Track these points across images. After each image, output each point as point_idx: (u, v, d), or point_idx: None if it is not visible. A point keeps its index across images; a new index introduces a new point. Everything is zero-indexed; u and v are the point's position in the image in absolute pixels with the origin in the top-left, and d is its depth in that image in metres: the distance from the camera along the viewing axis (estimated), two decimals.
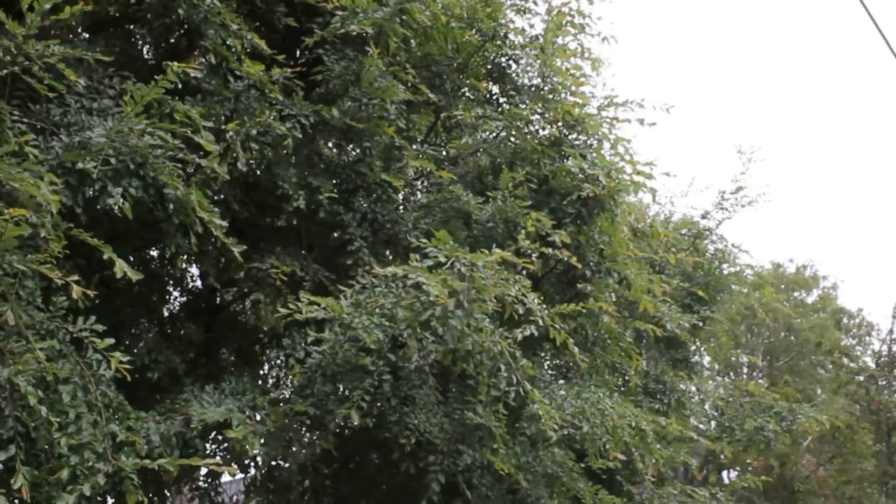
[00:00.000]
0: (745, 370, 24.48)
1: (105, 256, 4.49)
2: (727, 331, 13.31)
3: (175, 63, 5.06)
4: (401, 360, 5.50)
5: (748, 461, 16.13)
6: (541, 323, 5.26)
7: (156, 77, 5.03)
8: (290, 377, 5.64)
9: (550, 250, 6.26)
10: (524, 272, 7.81)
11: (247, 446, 5.08)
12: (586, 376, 7.89)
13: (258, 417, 5.55)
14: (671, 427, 6.66)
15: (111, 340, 4.45)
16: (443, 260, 5.07)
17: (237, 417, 5.13)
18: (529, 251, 5.72)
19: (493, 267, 5.08)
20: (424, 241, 5.32)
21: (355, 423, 5.23)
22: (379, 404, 5.62)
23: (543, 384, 6.75)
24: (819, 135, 57.86)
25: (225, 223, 5.25)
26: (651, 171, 7.47)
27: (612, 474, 7.17)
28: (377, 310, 5.32)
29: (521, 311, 5.20)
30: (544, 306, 5.49)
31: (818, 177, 55.70)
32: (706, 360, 14.19)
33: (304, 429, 6.00)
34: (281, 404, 5.75)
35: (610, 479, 7.19)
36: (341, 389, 5.48)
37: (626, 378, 8.89)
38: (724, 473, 19.93)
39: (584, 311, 6.23)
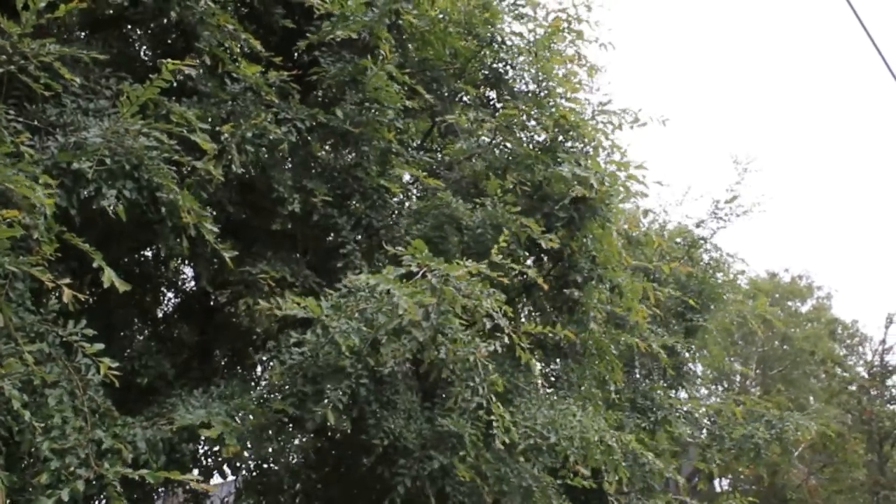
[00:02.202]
0: (738, 378, 24.51)
1: (94, 264, 4.47)
2: (719, 342, 13.34)
3: (170, 61, 5.07)
4: (377, 365, 5.50)
5: (739, 469, 16.17)
6: (506, 340, 5.25)
7: (151, 77, 5.03)
8: (271, 376, 5.62)
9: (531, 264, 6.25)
10: (519, 278, 7.85)
11: (228, 445, 5.05)
12: (574, 387, 7.90)
13: (241, 420, 5.53)
14: (632, 444, 6.61)
15: (101, 345, 4.42)
16: (415, 269, 5.07)
17: (216, 419, 5.12)
18: (505, 264, 5.63)
19: (466, 278, 5.07)
20: (401, 249, 5.32)
21: (331, 423, 5.22)
22: (359, 407, 5.62)
23: (526, 393, 6.78)
24: (815, 145, 58.06)
25: (216, 228, 5.26)
26: (642, 177, 7.48)
27: (600, 490, 7.12)
28: (356, 314, 5.30)
29: (488, 326, 5.19)
30: (516, 322, 5.46)
31: (815, 187, 55.87)
32: (699, 368, 14.21)
33: (285, 428, 5.98)
34: (262, 403, 5.73)
35: (599, 493, 7.13)
36: (321, 390, 5.47)
37: (616, 391, 8.90)
38: (717, 482, 19.95)
39: (549, 333, 6.20)
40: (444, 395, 6.30)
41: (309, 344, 5.30)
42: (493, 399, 5.22)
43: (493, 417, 5.24)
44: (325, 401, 5.17)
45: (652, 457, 7.08)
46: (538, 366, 5.60)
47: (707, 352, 13.20)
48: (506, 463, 6.17)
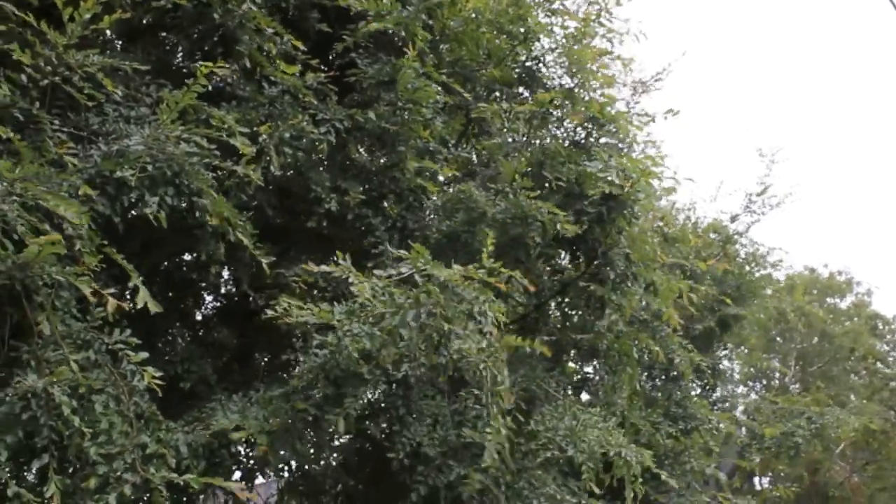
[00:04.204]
0: (777, 375, 24.17)
1: (131, 284, 4.53)
2: (757, 338, 13.20)
3: (204, 64, 5.12)
4: (393, 369, 5.48)
5: (780, 467, 15.96)
6: (484, 345, 5.07)
7: (187, 82, 5.08)
8: (294, 376, 5.63)
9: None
10: (555, 277, 7.79)
11: (259, 445, 5.07)
12: (609, 391, 7.84)
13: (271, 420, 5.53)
14: (647, 463, 6.46)
15: (145, 354, 4.47)
16: (404, 271, 5.07)
17: (251, 422, 5.13)
18: (499, 272, 5.39)
19: (457, 280, 5.01)
20: (404, 253, 5.28)
21: (341, 432, 5.21)
22: (385, 414, 5.61)
23: (554, 400, 6.73)
24: (853, 137, 56.92)
25: (255, 231, 5.30)
26: (674, 172, 7.41)
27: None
28: (370, 318, 5.22)
29: (470, 328, 5.11)
30: (498, 326, 5.29)
31: (855, 181, 54.71)
32: (736, 365, 14.07)
33: (313, 428, 5.97)
34: (286, 402, 5.73)
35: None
36: (342, 394, 5.47)
37: (648, 401, 8.81)
38: (756, 480, 19.70)
39: (529, 348, 6.00)
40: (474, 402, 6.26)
41: (330, 346, 5.28)
42: (499, 407, 5.08)
43: (512, 426, 5.20)
44: (338, 409, 5.15)
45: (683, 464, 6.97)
46: (504, 386, 5.43)
47: (745, 347, 13.06)
48: (522, 476, 6.13)
